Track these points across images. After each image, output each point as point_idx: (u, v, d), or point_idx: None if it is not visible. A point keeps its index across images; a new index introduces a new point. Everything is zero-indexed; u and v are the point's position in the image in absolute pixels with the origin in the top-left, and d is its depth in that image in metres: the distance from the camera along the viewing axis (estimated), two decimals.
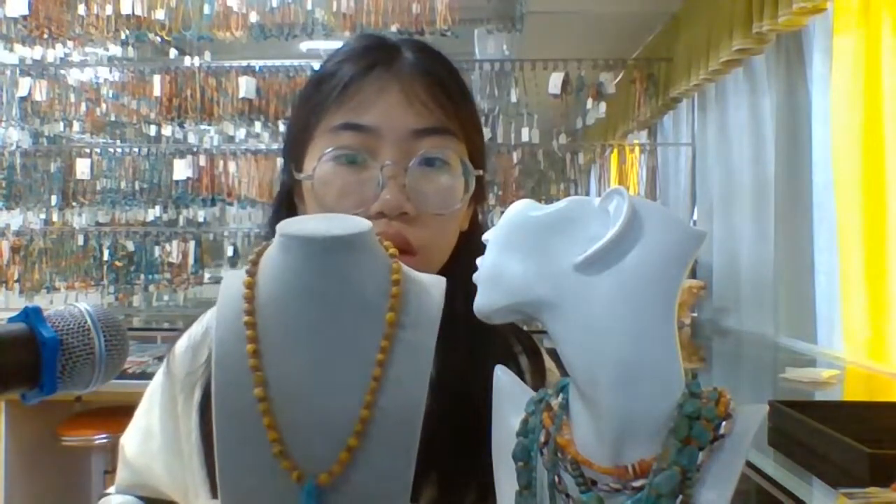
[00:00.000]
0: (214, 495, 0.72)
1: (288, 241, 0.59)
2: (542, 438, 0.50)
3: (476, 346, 0.76)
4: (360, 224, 0.60)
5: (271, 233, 0.83)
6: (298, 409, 0.56)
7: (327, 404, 0.56)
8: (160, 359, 0.84)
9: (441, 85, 0.77)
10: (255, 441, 0.55)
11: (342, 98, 0.75)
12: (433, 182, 0.76)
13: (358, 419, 0.55)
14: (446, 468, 0.71)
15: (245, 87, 3.99)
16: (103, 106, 4.27)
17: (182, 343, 0.82)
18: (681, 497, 0.43)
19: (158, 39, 4.06)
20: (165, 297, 4.78)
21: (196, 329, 0.83)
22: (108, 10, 3.95)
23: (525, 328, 0.83)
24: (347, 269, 0.58)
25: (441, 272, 0.78)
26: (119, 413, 0.96)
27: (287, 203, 0.82)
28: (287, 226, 0.59)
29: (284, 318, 0.58)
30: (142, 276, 4.22)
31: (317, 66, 0.84)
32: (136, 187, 4.22)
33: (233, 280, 0.61)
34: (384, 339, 0.57)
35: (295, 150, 0.80)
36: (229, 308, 0.59)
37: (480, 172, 0.80)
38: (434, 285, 0.62)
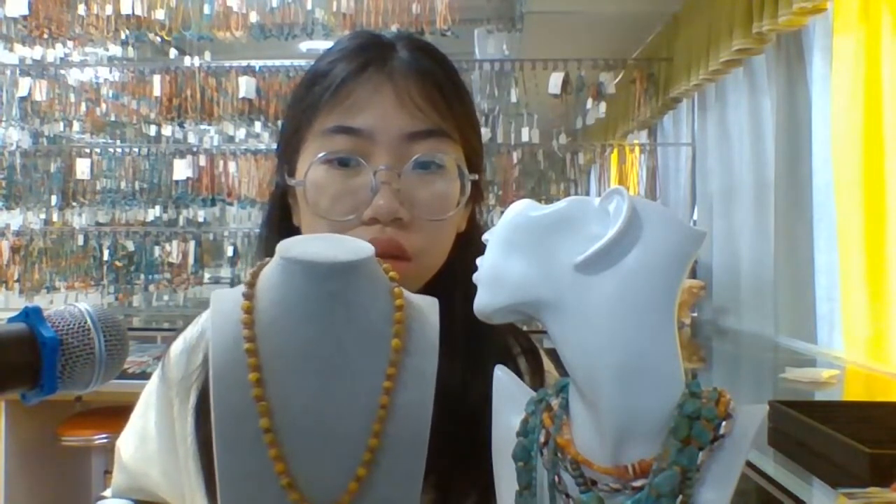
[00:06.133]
0: (211, 500, 0.72)
1: (291, 264, 0.56)
2: (542, 438, 0.50)
3: (474, 348, 0.76)
4: (362, 248, 0.59)
5: (267, 234, 0.82)
6: (305, 438, 0.55)
7: (334, 433, 0.55)
8: (160, 359, 0.84)
9: (436, 85, 0.75)
10: (260, 472, 0.54)
11: (334, 99, 0.74)
12: (428, 187, 0.74)
13: (366, 447, 0.54)
14: (445, 472, 0.71)
15: (245, 87, 3.99)
16: (103, 106, 4.27)
17: (177, 346, 0.81)
18: (681, 497, 0.43)
19: (158, 39, 4.06)
20: (165, 297, 4.78)
21: (191, 332, 0.82)
22: (108, 10, 3.95)
23: (524, 328, 0.82)
24: (352, 295, 0.57)
25: (438, 273, 0.78)
26: (119, 413, 0.95)
27: (281, 205, 0.81)
28: (289, 248, 0.57)
29: (287, 344, 0.56)
30: (142, 276, 4.22)
31: None
32: (136, 187, 4.22)
33: (225, 301, 0.59)
34: (391, 366, 0.56)
35: (288, 151, 0.79)
36: (225, 333, 0.56)
37: (476, 177, 0.78)
38: (430, 309, 0.61)
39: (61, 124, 4.39)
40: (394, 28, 3.73)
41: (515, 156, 4.18)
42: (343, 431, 0.55)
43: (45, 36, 4.03)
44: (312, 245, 0.58)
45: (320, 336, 0.56)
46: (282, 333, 0.56)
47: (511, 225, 0.50)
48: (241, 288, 0.59)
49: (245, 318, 0.56)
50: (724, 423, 0.45)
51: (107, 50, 4.53)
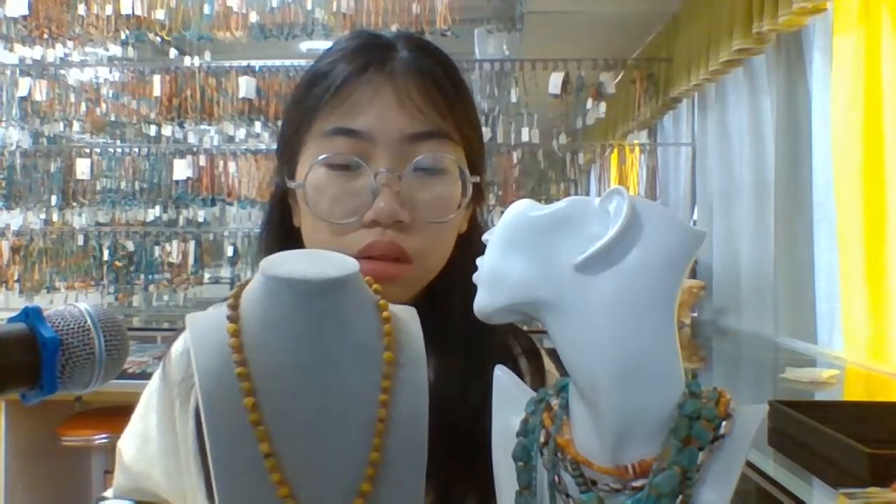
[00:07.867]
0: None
1: (277, 283, 0.55)
2: (542, 438, 0.50)
3: (474, 348, 0.75)
4: (347, 262, 0.58)
5: (267, 236, 0.82)
6: (305, 460, 0.54)
7: (335, 451, 0.54)
8: (160, 359, 0.83)
9: (437, 85, 0.75)
10: (263, 497, 0.53)
11: (334, 101, 0.73)
12: (429, 189, 0.73)
13: (368, 462, 0.54)
14: (446, 472, 0.70)
15: (245, 87, 3.99)
16: (103, 106, 4.27)
17: (177, 347, 0.81)
18: (681, 497, 0.43)
19: (158, 39, 4.06)
20: (165, 297, 4.78)
21: None
22: (108, 10, 3.95)
23: (525, 328, 0.82)
24: (341, 311, 0.56)
25: (439, 275, 0.77)
26: (119, 413, 0.95)
27: (281, 206, 0.81)
28: (272, 267, 0.56)
29: (279, 365, 0.55)
30: (142, 276, 4.22)
31: None
32: (136, 187, 4.22)
33: (204, 324, 0.57)
34: (385, 380, 0.56)
35: (288, 152, 0.78)
36: (211, 357, 0.55)
37: (477, 179, 0.77)
38: (411, 319, 0.60)
39: (61, 124, 4.39)
40: (394, 28, 3.73)
41: (515, 156, 4.18)
42: (343, 448, 0.55)
43: (45, 36, 4.03)
44: (297, 262, 0.57)
45: (312, 355, 0.55)
46: (272, 355, 0.55)
47: (511, 225, 0.50)
48: (223, 310, 0.57)
49: (233, 341, 0.55)
50: (724, 423, 0.45)
51: (107, 50, 4.53)
